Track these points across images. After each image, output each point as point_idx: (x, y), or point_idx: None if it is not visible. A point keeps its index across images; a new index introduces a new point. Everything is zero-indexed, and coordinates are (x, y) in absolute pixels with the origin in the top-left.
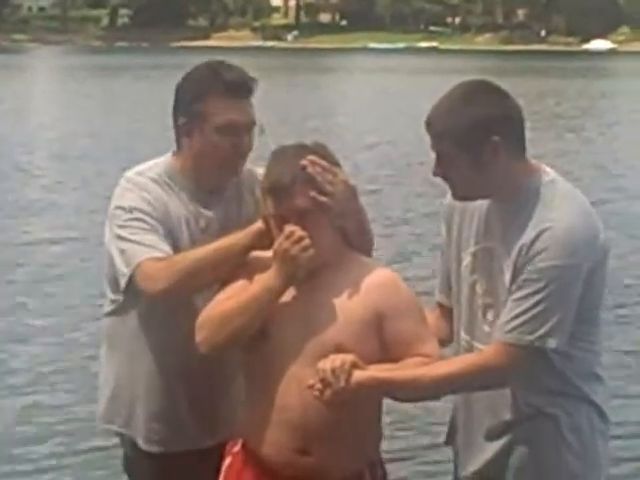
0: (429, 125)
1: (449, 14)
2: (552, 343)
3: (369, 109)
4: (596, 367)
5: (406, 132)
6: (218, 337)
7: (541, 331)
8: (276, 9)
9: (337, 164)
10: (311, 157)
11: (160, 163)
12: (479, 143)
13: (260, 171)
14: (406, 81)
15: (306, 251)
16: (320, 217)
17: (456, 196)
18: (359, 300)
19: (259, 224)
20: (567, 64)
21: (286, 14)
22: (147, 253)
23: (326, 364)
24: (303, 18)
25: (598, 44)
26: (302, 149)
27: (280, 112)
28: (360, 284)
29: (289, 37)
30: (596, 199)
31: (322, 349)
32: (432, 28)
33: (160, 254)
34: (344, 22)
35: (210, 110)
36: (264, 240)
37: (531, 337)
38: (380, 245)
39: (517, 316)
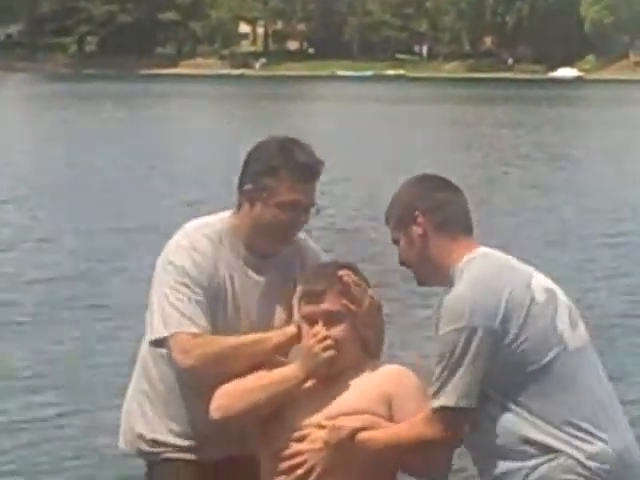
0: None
1: (416, 42)
2: (460, 402)
3: (335, 138)
4: (529, 432)
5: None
6: (234, 408)
7: (445, 393)
8: (244, 36)
9: (366, 282)
10: (346, 271)
11: (219, 220)
12: (408, 221)
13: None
14: (374, 109)
15: (328, 350)
16: (346, 323)
17: (416, 281)
18: (370, 391)
19: (293, 328)
20: (534, 92)
21: (254, 42)
22: (186, 326)
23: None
24: (271, 46)
25: (565, 72)
26: (337, 264)
27: (248, 139)
28: (372, 379)
29: (257, 65)
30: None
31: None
32: (400, 56)
33: (197, 330)
34: (312, 50)
35: (277, 187)
36: (295, 343)
37: (439, 400)
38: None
39: (432, 384)
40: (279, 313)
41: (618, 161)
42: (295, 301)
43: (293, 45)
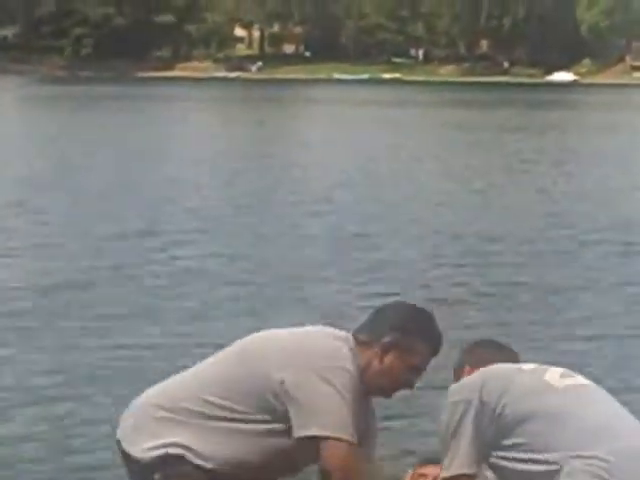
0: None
1: (412, 45)
2: (463, 469)
3: (333, 141)
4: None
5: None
6: None
7: (449, 463)
8: (240, 39)
9: None
10: None
11: (348, 349)
12: (458, 373)
13: None
14: (371, 112)
15: None
16: None
17: None
18: None
19: None
20: (530, 96)
21: (250, 45)
22: (347, 435)
23: None
24: (267, 49)
25: (561, 76)
26: None
27: (245, 143)
28: None
29: (253, 68)
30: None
31: None
32: (396, 59)
33: (352, 439)
34: (308, 53)
35: (417, 351)
36: None
37: (446, 472)
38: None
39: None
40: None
41: (618, 165)
42: None
43: (289, 48)
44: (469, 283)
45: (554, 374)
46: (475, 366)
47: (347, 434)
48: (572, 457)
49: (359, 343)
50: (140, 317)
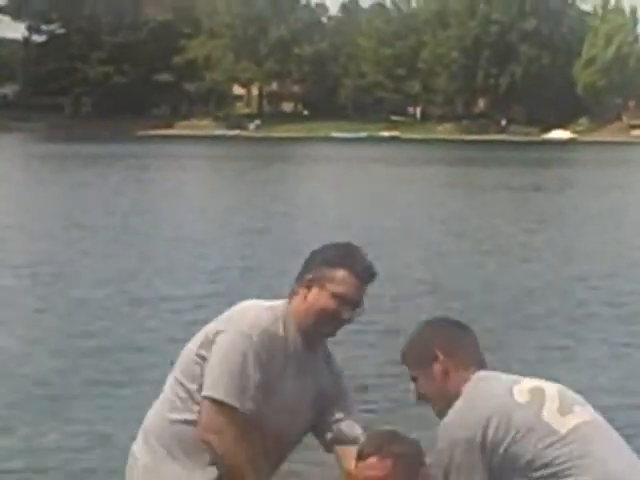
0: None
1: (410, 104)
2: None
3: (332, 200)
4: None
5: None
6: None
7: None
8: (239, 98)
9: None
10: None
11: (280, 303)
12: (428, 361)
13: None
14: (371, 170)
15: None
16: None
17: (436, 414)
18: None
19: None
20: (528, 154)
21: (248, 103)
22: (232, 399)
23: None
24: (266, 107)
25: (558, 134)
26: (397, 438)
27: (245, 199)
28: None
29: (251, 126)
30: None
31: None
32: (393, 117)
33: (236, 404)
34: (306, 111)
35: (337, 278)
36: None
37: None
38: None
39: None
40: (305, 409)
41: (616, 223)
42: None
43: (287, 107)
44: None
45: (552, 410)
46: (448, 356)
47: (232, 399)
48: None
49: (290, 298)
50: None
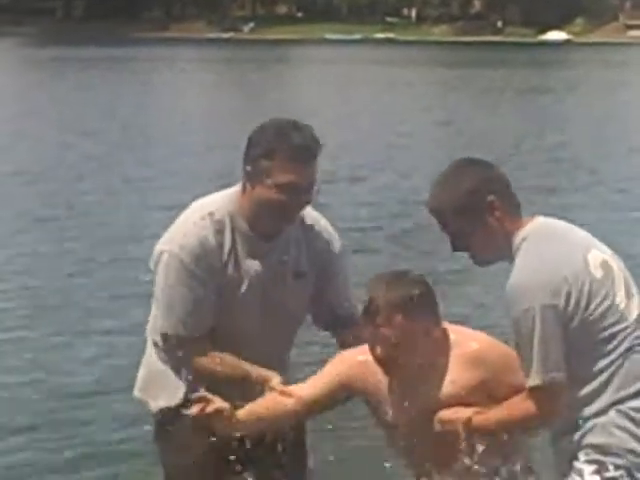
0: (431, 210)
1: (405, 5)
2: (543, 379)
3: (326, 102)
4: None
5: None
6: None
7: (536, 372)
8: (233, 0)
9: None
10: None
11: (228, 200)
12: (477, 209)
13: (312, 215)
14: (365, 72)
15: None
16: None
17: (476, 263)
18: (459, 378)
19: (276, 381)
20: (523, 55)
21: (242, 6)
22: (183, 329)
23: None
24: (259, 9)
25: (554, 35)
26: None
27: (240, 102)
28: (457, 364)
29: (245, 29)
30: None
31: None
32: (388, 19)
33: (187, 333)
34: (300, 14)
35: (274, 169)
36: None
37: (533, 380)
38: None
39: (520, 365)
40: (280, 296)
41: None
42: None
43: (281, 9)
44: None
45: (621, 293)
46: (500, 198)
47: (178, 330)
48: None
49: (239, 194)
50: None
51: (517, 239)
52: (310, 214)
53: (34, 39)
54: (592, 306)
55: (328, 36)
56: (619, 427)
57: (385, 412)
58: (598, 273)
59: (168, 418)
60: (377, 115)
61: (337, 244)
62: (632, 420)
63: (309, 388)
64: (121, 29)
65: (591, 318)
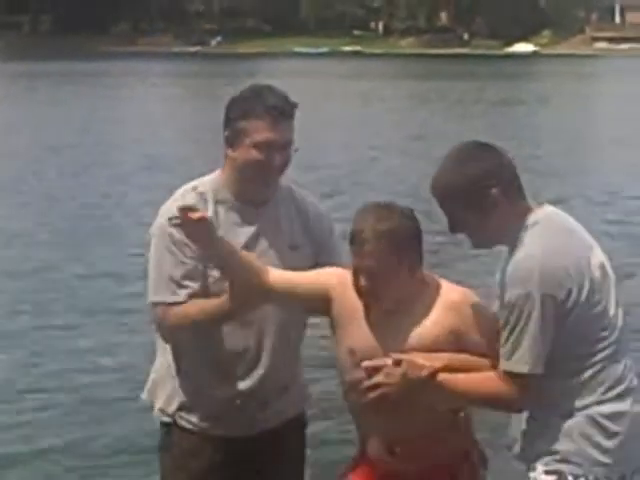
0: (433, 191)
1: (373, 18)
2: (523, 368)
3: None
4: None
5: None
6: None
7: (518, 358)
8: (200, 14)
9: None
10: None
11: (210, 177)
12: (479, 196)
13: (301, 192)
14: (333, 85)
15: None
16: (389, 272)
17: (473, 245)
18: (434, 321)
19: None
20: (490, 68)
21: (210, 20)
22: (169, 296)
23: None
24: (226, 23)
25: (521, 47)
26: (390, 207)
27: (206, 118)
28: (436, 311)
29: (212, 42)
30: None
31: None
32: (356, 32)
33: (172, 298)
34: (268, 27)
35: (251, 128)
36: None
37: (511, 365)
38: None
39: (502, 345)
40: (277, 267)
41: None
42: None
43: (249, 23)
44: None
45: (613, 300)
46: (505, 194)
47: (161, 295)
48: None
49: (221, 170)
50: None
51: (528, 222)
52: (298, 191)
53: (1, 53)
54: (587, 307)
55: (296, 49)
56: (582, 434)
57: (350, 336)
58: (597, 274)
59: (169, 428)
60: (348, 128)
61: (327, 218)
62: (598, 426)
63: (291, 273)
64: (89, 43)
65: (583, 318)
